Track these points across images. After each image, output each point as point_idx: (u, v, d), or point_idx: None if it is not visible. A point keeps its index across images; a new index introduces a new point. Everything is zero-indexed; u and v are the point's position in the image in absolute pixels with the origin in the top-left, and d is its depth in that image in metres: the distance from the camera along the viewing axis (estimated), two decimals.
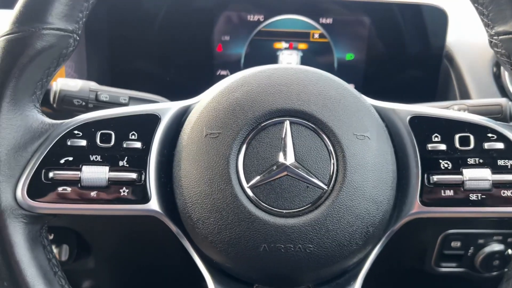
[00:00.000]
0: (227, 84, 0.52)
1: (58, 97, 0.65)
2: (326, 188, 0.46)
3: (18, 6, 0.49)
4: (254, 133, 0.46)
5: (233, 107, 0.49)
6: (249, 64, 0.88)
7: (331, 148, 0.46)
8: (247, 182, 0.46)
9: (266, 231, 0.44)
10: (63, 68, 0.88)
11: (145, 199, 0.50)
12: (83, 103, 0.66)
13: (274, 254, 0.47)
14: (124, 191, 0.50)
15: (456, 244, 0.83)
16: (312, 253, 0.45)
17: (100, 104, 0.67)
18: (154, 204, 0.51)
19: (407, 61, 0.88)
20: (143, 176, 0.50)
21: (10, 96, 0.49)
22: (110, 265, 0.94)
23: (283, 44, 0.88)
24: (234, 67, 0.87)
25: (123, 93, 0.69)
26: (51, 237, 0.86)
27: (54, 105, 0.67)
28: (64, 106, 0.66)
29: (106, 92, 0.68)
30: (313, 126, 0.47)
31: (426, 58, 0.88)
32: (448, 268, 0.85)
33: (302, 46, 0.88)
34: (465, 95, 0.84)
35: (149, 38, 0.87)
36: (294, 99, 0.49)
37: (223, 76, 0.90)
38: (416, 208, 0.49)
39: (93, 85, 0.68)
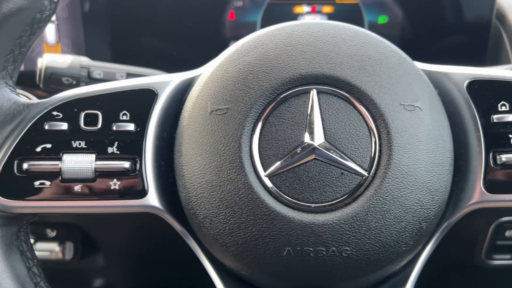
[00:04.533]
0: (236, 47, 0.42)
1: (44, 75, 0.57)
2: (367, 175, 0.38)
3: None
4: (272, 107, 0.39)
5: (244, 75, 0.40)
6: None
7: (371, 122, 0.38)
8: (265, 169, 0.38)
9: (291, 231, 0.37)
10: (59, 45, 0.79)
11: (142, 192, 0.42)
12: (74, 82, 0.57)
13: (301, 259, 0.38)
14: (115, 184, 0.42)
15: (511, 233, 0.73)
16: (350, 258, 0.38)
17: (94, 83, 0.58)
18: (152, 199, 0.42)
19: (450, 23, 0.77)
20: (138, 165, 0.42)
21: None
22: (122, 263, 0.86)
23: (305, 8, 0.77)
24: None
25: (120, 69, 0.60)
26: (53, 233, 0.78)
27: (40, 85, 0.57)
28: (52, 85, 0.57)
29: (100, 68, 0.58)
30: (347, 95, 0.39)
31: (472, 19, 0.77)
32: (501, 260, 0.75)
33: (327, 9, 0.77)
34: None
35: (153, 7, 0.77)
36: (322, 61, 0.39)
37: None
38: (478, 196, 0.41)
39: (85, 60, 0.59)
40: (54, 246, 0.77)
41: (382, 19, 0.77)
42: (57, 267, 0.83)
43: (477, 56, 0.77)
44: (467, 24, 0.77)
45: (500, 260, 0.76)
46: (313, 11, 0.78)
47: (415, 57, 0.50)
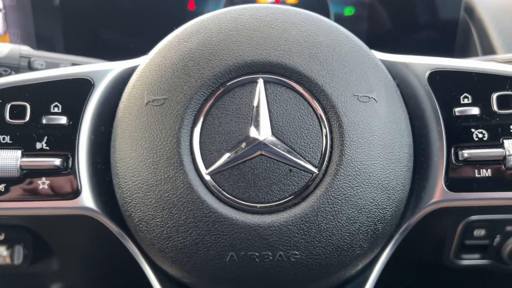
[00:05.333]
0: (177, 32, 0.39)
1: None
2: (317, 172, 0.35)
3: None
4: (214, 97, 0.36)
5: (184, 62, 0.37)
6: None
7: (322, 115, 0.36)
8: (206, 166, 0.35)
9: (234, 234, 0.35)
10: (7, 35, 0.74)
11: (74, 192, 0.39)
12: (13, 73, 0.52)
13: (246, 265, 0.35)
14: (43, 183, 0.38)
15: (479, 232, 0.70)
16: (299, 263, 0.35)
17: None
18: (87, 199, 0.39)
19: (419, 16, 0.74)
20: (70, 162, 0.39)
21: None
22: (79, 266, 0.81)
23: None
24: None
25: (65, 59, 0.55)
26: (1, 237, 0.73)
27: None
28: None
29: (43, 58, 0.54)
30: (296, 85, 0.36)
31: (441, 11, 0.76)
32: (470, 260, 0.73)
33: (291, 0, 0.73)
34: (489, 52, 0.69)
35: None
36: (269, 48, 0.36)
37: None
38: (439, 195, 0.39)
39: (25, 49, 0.54)
40: (2, 251, 0.72)
41: (349, 11, 0.75)
42: (10, 272, 0.78)
43: (445, 49, 0.75)
44: (435, 16, 0.76)
45: (469, 260, 0.74)
46: (277, 2, 0.75)
47: (381, 50, 0.48)
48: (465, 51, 0.76)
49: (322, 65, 0.36)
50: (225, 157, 0.35)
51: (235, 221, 0.35)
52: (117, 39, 0.76)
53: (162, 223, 0.35)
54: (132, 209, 0.37)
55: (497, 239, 0.67)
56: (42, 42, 0.76)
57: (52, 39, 0.77)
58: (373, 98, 0.36)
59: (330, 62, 0.36)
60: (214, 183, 0.35)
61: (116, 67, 0.42)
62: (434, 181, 0.39)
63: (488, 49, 0.71)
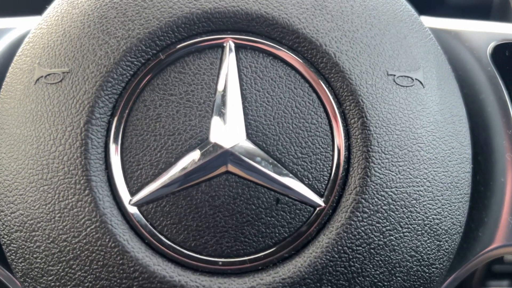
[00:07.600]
0: None
1: None
2: (323, 205, 0.25)
3: None
4: (149, 73, 0.25)
5: (100, 12, 0.26)
6: None
7: (333, 106, 0.25)
8: (132, 192, 0.24)
9: None
10: None
11: None
12: None
13: None
14: None
15: (511, 257, 0.63)
16: None
17: None
18: None
19: None
20: None
21: None
22: None
23: None
24: None
25: None
26: None
27: None
28: None
29: None
30: (290, 55, 0.25)
31: None
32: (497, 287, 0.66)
33: None
34: None
35: None
36: None
37: None
38: (506, 235, 0.30)
39: None
40: None
41: None
42: None
43: (479, 13, 0.66)
44: None
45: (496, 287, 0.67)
46: None
47: None
48: (502, 18, 0.67)
49: (335, 22, 0.25)
50: (165, 176, 0.23)
51: (180, 285, 0.23)
52: None
53: (58, 284, 0.24)
54: (13, 256, 0.25)
55: None
56: None
57: None
58: (419, 81, 0.26)
59: (349, 18, 0.25)
60: (144, 220, 0.24)
61: (19, 26, 0.32)
62: (498, 213, 0.31)
63: None
